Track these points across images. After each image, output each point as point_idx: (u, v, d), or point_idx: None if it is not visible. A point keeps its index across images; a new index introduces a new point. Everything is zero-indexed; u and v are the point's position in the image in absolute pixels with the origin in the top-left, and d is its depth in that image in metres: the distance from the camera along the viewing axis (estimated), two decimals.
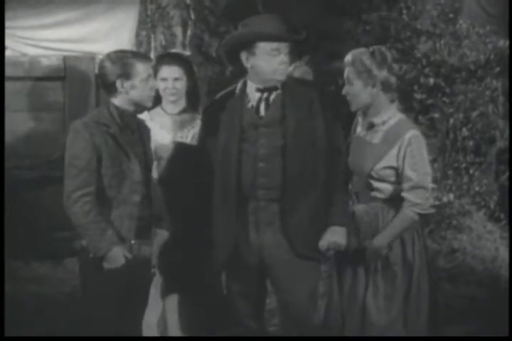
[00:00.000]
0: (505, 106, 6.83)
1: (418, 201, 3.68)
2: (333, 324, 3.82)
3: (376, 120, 3.76)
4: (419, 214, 3.71)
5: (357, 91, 3.73)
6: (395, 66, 3.74)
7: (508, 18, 6.69)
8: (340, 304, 3.80)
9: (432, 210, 3.85)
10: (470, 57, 6.96)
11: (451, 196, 6.62)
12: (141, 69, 3.58)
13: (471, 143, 6.93)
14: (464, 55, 6.96)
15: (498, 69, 6.94)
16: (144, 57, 3.72)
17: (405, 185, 3.69)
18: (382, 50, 3.76)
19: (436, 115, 6.87)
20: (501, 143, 6.87)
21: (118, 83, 3.57)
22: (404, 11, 7.18)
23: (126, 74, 3.56)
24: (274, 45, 3.69)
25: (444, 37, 7.03)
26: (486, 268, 6.03)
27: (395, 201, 3.72)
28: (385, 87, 3.73)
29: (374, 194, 3.76)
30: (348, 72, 3.75)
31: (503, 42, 6.92)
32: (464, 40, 7.04)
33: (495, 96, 6.91)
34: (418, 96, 6.89)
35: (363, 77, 3.70)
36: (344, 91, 3.78)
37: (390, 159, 3.71)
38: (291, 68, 6.35)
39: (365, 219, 3.76)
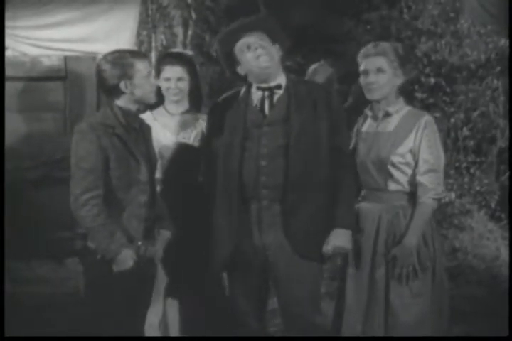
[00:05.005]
0: (506, 106, 6.84)
1: (432, 186, 3.70)
2: (346, 326, 3.81)
3: (390, 109, 3.82)
4: (436, 201, 3.73)
5: (387, 80, 3.78)
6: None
7: (508, 18, 6.69)
8: (355, 306, 3.79)
9: (444, 194, 3.87)
10: (471, 57, 6.96)
11: (452, 195, 6.62)
12: (140, 67, 3.56)
13: (471, 142, 6.94)
14: (465, 54, 6.97)
15: (498, 68, 6.95)
16: (139, 54, 3.71)
17: (421, 169, 3.72)
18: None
19: (437, 114, 6.86)
20: (502, 143, 6.87)
21: (122, 85, 3.54)
22: (405, 11, 7.19)
23: (128, 75, 3.54)
24: (243, 41, 3.72)
25: (444, 36, 7.04)
26: (487, 268, 6.03)
27: (412, 195, 3.73)
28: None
29: (392, 187, 3.76)
30: (380, 61, 3.79)
31: (503, 42, 6.93)
32: (465, 39, 7.05)
33: (496, 96, 6.92)
34: (419, 95, 6.90)
35: (393, 67, 3.79)
36: (371, 80, 3.79)
37: (408, 143, 3.75)
38: (312, 67, 6.33)
39: (386, 217, 3.76)
